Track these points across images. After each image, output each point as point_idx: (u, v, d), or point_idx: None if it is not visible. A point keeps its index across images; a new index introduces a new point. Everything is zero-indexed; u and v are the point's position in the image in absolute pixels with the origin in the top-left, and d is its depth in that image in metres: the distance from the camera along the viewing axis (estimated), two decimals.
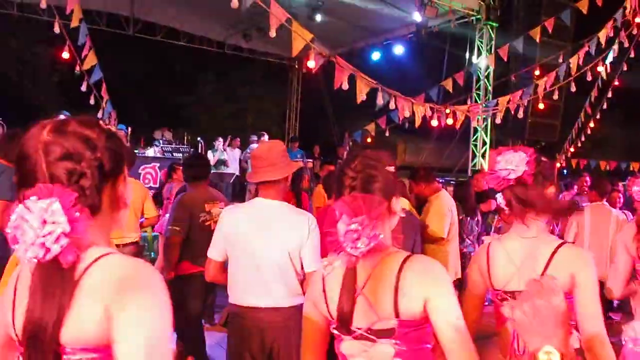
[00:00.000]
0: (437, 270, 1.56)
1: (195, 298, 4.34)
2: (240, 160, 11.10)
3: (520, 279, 1.92)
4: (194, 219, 4.23)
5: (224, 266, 2.89)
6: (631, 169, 14.14)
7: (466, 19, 11.12)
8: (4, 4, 10.82)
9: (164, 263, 4.54)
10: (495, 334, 2.13)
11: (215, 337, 5.48)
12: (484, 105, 9.95)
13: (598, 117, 13.35)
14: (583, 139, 13.79)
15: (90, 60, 7.58)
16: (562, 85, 9.41)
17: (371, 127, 10.75)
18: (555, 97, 9.84)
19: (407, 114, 7.97)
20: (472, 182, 6.48)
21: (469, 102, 10.58)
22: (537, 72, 10.15)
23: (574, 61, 9.00)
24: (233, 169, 10.82)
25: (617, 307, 5.79)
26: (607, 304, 3.65)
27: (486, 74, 11.03)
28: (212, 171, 9.99)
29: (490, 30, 11.08)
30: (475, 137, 11.22)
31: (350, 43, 13.71)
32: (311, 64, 6.75)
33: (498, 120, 9.73)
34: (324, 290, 1.64)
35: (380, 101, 7.14)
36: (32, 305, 1.05)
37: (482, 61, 10.86)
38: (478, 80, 11.15)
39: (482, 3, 10.89)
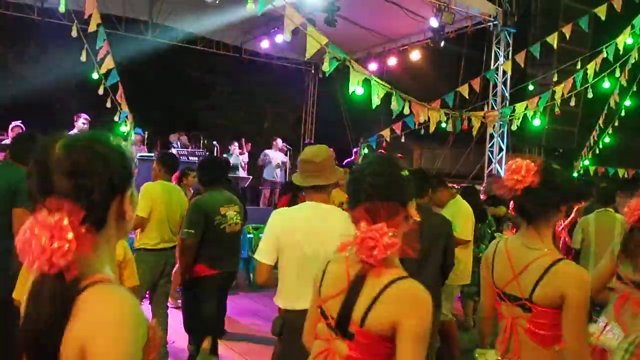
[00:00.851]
0: (420, 300, 1.50)
1: (210, 300, 4.40)
2: (258, 162, 11.14)
3: (517, 285, 2.01)
4: (209, 222, 4.29)
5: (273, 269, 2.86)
6: None
7: (483, 25, 11.08)
8: (24, 8, 11.03)
9: (180, 266, 4.60)
10: None
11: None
12: (500, 111, 9.86)
13: (617, 124, 13.21)
14: (601, 146, 13.63)
15: (108, 64, 7.69)
16: (579, 92, 9.31)
17: (386, 133, 10.74)
18: (572, 104, 9.77)
19: (422, 119, 7.94)
20: (475, 188, 6.52)
21: (485, 108, 10.51)
22: (555, 79, 10.03)
23: (591, 68, 8.92)
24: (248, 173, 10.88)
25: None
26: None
27: (503, 80, 10.96)
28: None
29: (507, 36, 11.01)
30: (491, 143, 11.14)
31: (367, 48, 13.74)
32: (325, 67, 6.77)
33: (514, 127, 9.67)
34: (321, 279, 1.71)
35: (395, 106, 7.12)
36: (30, 312, 1.07)
37: (499, 67, 10.80)
38: (495, 86, 11.08)
39: (499, 9, 10.84)
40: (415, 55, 12.13)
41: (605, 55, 8.79)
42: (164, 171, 4.79)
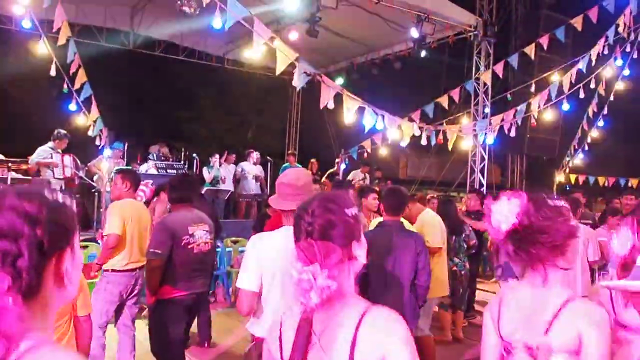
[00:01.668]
0: (397, 326, 1.46)
1: (176, 322, 4.27)
2: (235, 175, 11.05)
3: (526, 330, 1.84)
4: (176, 242, 4.19)
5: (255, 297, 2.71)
6: (630, 185, 14.04)
7: (464, 35, 11.13)
8: (3, 20, 10.92)
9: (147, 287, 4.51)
10: None
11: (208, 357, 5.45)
12: (477, 123, 9.87)
13: (597, 134, 13.31)
14: (581, 155, 13.72)
15: (80, 78, 7.56)
16: (554, 103, 9.35)
17: (367, 144, 10.72)
18: (551, 116, 9.82)
19: (396, 133, 7.91)
20: (451, 199, 6.55)
21: (466, 118, 10.53)
22: (532, 89, 10.07)
23: (566, 79, 8.96)
24: (228, 185, 10.77)
25: None
26: None
27: (484, 90, 11.00)
28: (207, 187, 10.07)
29: (487, 46, 11.06)
30: (473, 152, 11.16)
31: (349, 58, 13.77)
32: (295, 82, 6.72)
33: (490, 141, 9.67)
34: (280, 338, 1.59)
35: (368, 121, 7.07)
36: None
37: (480, 77, 10.84)
38: (477, 96, 11.12)
39: (479, 19, 10.89)
40: (397, 65, 12.17)
41: (579, 66, 8.84)
42: (128, 187, 4.71)
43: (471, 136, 9.94)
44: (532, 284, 1.88)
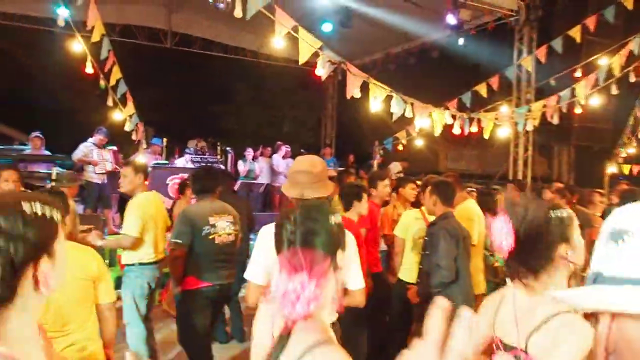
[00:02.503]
0: None
1: (201, 313, 4.24)
2: (271, 168, 11.07)
3: (516, 335, 1.86)
4: (196, 233, 4.15)
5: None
6: None
7: (504, 20, 10.69)
8: (48, 22, 11.19)
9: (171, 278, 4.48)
10: None
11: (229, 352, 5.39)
12: (515, 111, 9.42)
13: None
14: (634, 143, 12.95)
15: (115, 74, 7.68)
16: (602, 88, 8.77)
17: (402, 135, 10.45)
18: (599, 102, 9.25)
19: (426, 122, 7.63)
20: (491, 192, 6.18)
21: (506, 107, 10.08)
22: (578, 74, 9.50)
23: (616, 61, 8.40)
24: (264, 178, 10.79)
25: None
26: None
27: (527, 77, 10.52)
28: (241, 181, 10.09)
29: (530, 30, 10.57)
30: (516, 143, 10.70)
31: (385, 48, 13.51)
32: (319, 72, 6.56)
33: (529, 127, 9.18)
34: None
35: (395, 109, 6.83)
36: None
37: (521, 64, 10.37)
38: (519, 83, 10.67)
39: (521, 2, 10.43)
40: (434, 54, 11.83)
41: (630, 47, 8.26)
42: (142, 180, 4.68)
43: (509, 124, 9.51)
44: (530, 291, 1.88)
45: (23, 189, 6.72)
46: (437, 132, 8.17)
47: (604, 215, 6.07)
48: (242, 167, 10.37)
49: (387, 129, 13.31)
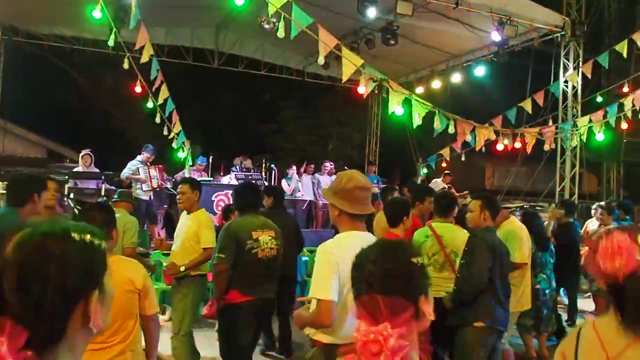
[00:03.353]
0: None
1: (245, 328, 4.30)
2: (313, 184, 11.17)
3: None
4: (240, 247, 4.26)
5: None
6: None
7: (550, 36, 10.54)
8: (101, 44, 11.79)
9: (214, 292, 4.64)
10: None
11: None
12: (559, 126, 9.23)
13: None
14: None
15: (163, 93, 8.01)
16: None
17: (446, 152, 10.39)
18: None
19: (469, 138, 7.60)
20: (536, 212, 6.03)
21: (550, 123, 9.90)
22: (625, 89, 9.25)
23: None
24: (307, 195, 10.91)
25: None
26: None
27: (573, 92, 10.31)
28: (286, 198, 10.23)
29: (577, 46, 10.39)
30: (562, 159, 10.46)
31: (430, 66, 13.50)
32: (361, 89, 6.67)
33: (574, 143, 8.98)
34: None
35: (437, 125, 6.86)
36: None
37: (567, 79, 10.18)
38: (565, 99, 10.46)
39: (566, 19, 10.27)
40: (480, 71, 11.74)
41: None
42: (198, 197, 4.89)
43: (554, 140, 9.31)
44: (619, 322, 1.59)
45: (73, 204, 7.06)
46: (478, 148, 8.13)
47: None
48: (286, 186, 10.53)
49: (432, 146, 13.26)
